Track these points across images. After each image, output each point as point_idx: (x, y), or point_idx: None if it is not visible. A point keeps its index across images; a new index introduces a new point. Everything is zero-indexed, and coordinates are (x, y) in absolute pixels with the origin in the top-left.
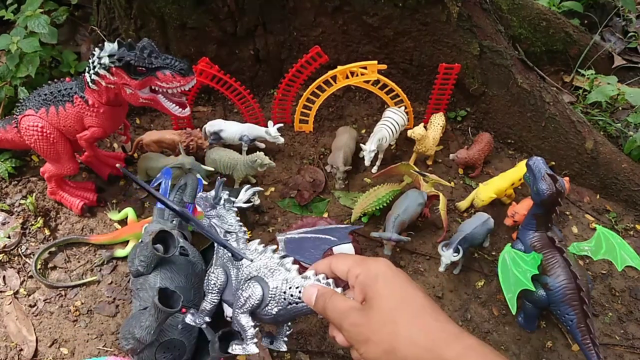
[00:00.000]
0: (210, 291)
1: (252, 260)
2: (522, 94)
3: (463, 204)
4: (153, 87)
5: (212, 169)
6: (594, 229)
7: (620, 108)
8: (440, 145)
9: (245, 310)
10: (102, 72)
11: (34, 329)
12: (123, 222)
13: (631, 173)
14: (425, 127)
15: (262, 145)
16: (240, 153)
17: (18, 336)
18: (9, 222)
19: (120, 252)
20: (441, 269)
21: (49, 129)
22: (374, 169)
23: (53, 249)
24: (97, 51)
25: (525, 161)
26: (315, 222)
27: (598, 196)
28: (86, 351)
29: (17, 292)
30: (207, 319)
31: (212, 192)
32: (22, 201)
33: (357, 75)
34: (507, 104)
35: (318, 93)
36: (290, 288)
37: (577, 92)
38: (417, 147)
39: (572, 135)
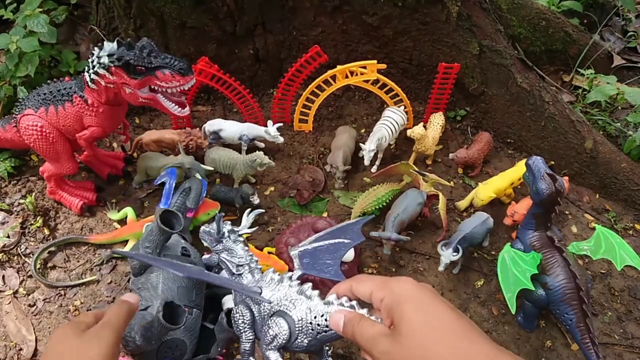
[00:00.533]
0: (242, 331)
1: (270, 302)
2: (521, 94)
3: (462, 204)
4: (152, 87)
5: (212, 169)
6: (593, 229)
7: (619, 107)
8: (440, 145)
9: (273, 347)
10: (101, 71)
11: (34, 329)
12: (122, 221)
13: (630, 172)
14: (424, 126)
15: (262, 145)
16: (240, 152)
17: (17, 335)
18: (8, 222)
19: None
20: (440, 268)
21: (48, 128)
22: (374, 169)
23: (52, 248)
24: (96, 50)
25: (524, 161)
26: (314, 221)
27: (597, 195)
28: None
29: (16, 292)
30: (252, 359)
31: (215, 226)
32: (22, 200)
33: (356, 75)
34: (507, 103)
35: (317, 92)
36: (315, 317)
37: (576, 91)
38: (416, 146)
39: (571, 134)
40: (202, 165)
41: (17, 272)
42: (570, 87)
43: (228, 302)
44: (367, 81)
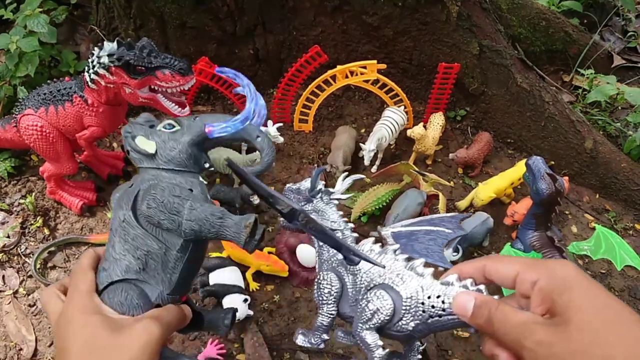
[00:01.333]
0: (325, 302)
1: (384, 267)
2: (521, 94)
3: (462, 204)
4: (152, 87)
5: (212, 169)
6: (594, 229)
7: (619, 107)
8: (440, 145)
9: (371, 326)
10: (101, 71)
11: (34, 329)
12: None
13: (630, 172)
14: (424, 126)
15: None
16: (240, 152)
17: (17, 336)
18: (8, 222)
19: None
20: (440, 268)
21: (48, 128)
22: (374, 169)
23: (52, 248)
24: (96, 50)
25: (524, 161)
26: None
27: (597, 195)
28: None
29: (16, 292)
30: (326, 337)
31: (305, 183)
32: (22, 200)
33: (356, 75)
34: (507, 103)
35: (317, 92)
36: (429, 298)
37: (576, 91)
38: (416, 146)
39: (571, 134)
40: None
41: (17, 272)
42: (570, 87)
43: (228, 302)
44: (367, 81)
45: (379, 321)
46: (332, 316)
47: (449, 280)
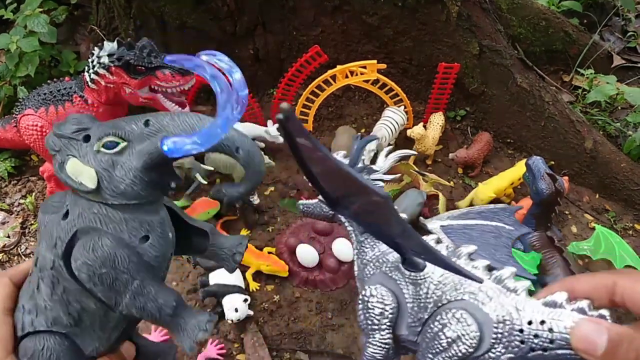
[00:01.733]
0: (377, 327)
1: (481, 281)
2: (521, 94)
3: (462, 204)
4: (152, 87)
5: (212, 169)
6: (593, 229)
7: (619, 107)
8: (440, 145)
9: (446, 358)
10: (101, 71)
11: None
12: None
13: (630, 172)
14: (424, 126)
15: (262, 145)
16: None
17: None
18: (8, 222)
19: None
20: None
21: (48, 128)
22: None
23: None
24: (96, 50)
25: (524, 161)
26: (315, 221)
27: (597, 195)
28: None
29: None
30: None
31: (337, 156)
32: (22, 200)
33: (356, 75)
34: (507, 103)
35: (317, 92)
36: (529, 323)
37: (576, 91)
38: (416, 146)
39: (571, 134)
40: (202, 165)
41: None
42: (570, 87)
43: (228, 302)
44: (367, 81)
45: (459, 354)
46: (386, 346)
47: (555, 300)
